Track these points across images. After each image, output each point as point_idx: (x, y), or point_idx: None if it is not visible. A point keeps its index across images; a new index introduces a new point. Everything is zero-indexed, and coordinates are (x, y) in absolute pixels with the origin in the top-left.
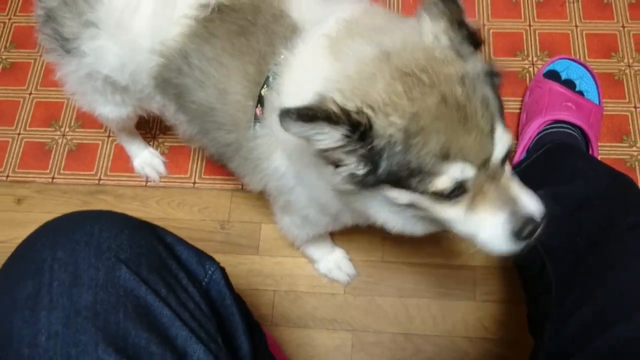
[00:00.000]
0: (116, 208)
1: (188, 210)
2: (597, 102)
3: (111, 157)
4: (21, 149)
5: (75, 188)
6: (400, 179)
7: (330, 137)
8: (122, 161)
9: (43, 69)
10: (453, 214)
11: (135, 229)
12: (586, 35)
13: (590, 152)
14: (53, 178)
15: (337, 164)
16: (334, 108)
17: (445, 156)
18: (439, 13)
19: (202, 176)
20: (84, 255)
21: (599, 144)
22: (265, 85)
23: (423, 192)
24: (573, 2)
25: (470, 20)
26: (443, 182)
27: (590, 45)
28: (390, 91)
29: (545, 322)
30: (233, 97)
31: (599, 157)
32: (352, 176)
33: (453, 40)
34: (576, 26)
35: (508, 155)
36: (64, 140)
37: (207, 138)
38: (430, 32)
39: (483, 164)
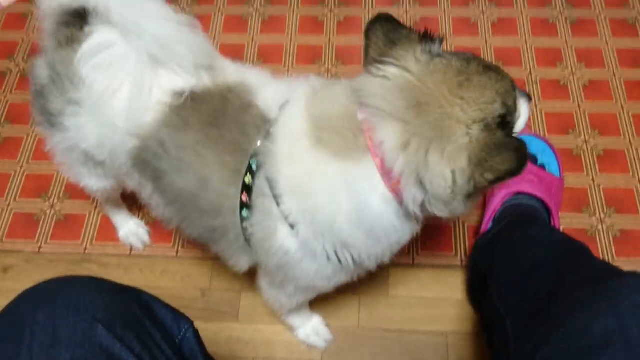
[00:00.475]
0: (101, 276)
1: (170, 278)
2: (558, 175)
3: (97, 227)
4: (10, 219)
5: (61, 257)
6: None
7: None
8: (108, 231)
9: (35, 143)
10: None
11: (112, 291)
12: (545, 114)
13: (552, 221)
14: (40, 247)
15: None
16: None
17: None
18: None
19: (185, 246)
20: (62, 318)
21: (562, 214)
22: (248, 173)
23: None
24: (532, 84)
25: None
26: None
27: (549, 122)
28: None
29: None
30: (213, 185)
31: (562, 227)
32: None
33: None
34: (535, 105)
35: None
36: (53, 211)
37: (186, 222)
38: None
39: None
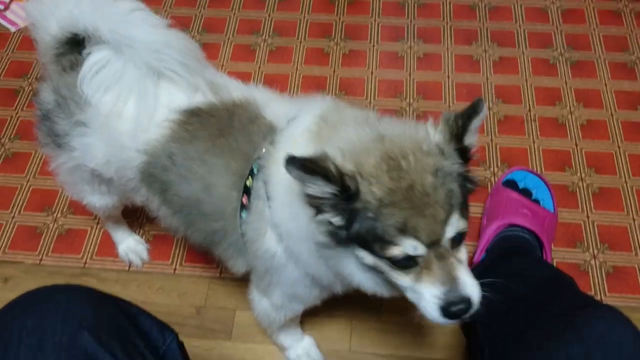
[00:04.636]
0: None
1: (167, 295)
2: (552, 210)
3: (98, 243)
4: (14, 231)
5: (61, 270)
6: (366, 242)
7: (321, 189)
8: (108, 247)
9: (42, 159)
10: (404, 281)
11: (99, 301)
12: (542, 150)
13: (544, 254)
14: (41, 260)
15: (318, 211)
16: (332, 168)
17: (403, 231)
18: (445, 124)
19: (183, 263)
20: (50, 323)
21: (555, 248)
22: (249, 177)
23: (382, 257)
24: (531, 122)
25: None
26: (396, 251)
27: (547, 159)
28: (378, 167)
29: None
30: (218, 190)
31: (554, 260)
32: (328, 224)
33: (443, 141)
34: (534, 142)
35: (460, 240)
36: (55, 225)
37: (192, 229)
38: (429, 131)
39: (433, 244)
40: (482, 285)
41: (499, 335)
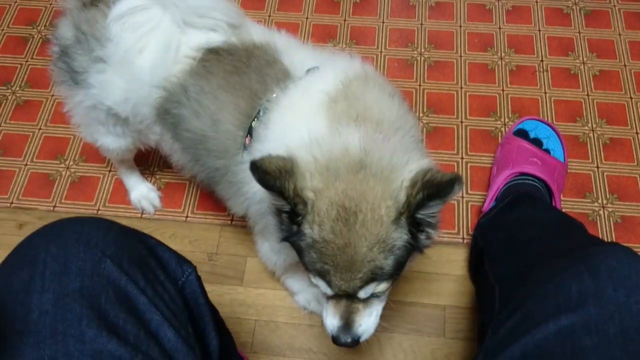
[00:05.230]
0: None
1: (179, 241)
2: (562, 160)
3: (110, 190)
4: (27, 179)
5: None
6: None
7: (276, 199)
8: (120, 194)
9: (53, 107)
10: (324, 302)
11: (120, 232)
12: (554, 101)
13: (553, 203)
14: (54, 207)
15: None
16: (290, 190)
17: (320, 275)
18: (411, 185)
19: (195, 211)
20: (73, 251)
21: (565, 198)
22: (256, 118)
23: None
24: (543, 72)
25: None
26: (312, 279)
27: (558, 110)
28: (331, 207)
29: (487, 330)
30: (225, 127)
31: (564, 211)
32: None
33: (410, 202)
34: (545, 93)
35: (375, 297)
36: (68, 173)
37: (198, 165)
38: (407, 178)
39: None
40: (495, 230)
41: (510, 274)
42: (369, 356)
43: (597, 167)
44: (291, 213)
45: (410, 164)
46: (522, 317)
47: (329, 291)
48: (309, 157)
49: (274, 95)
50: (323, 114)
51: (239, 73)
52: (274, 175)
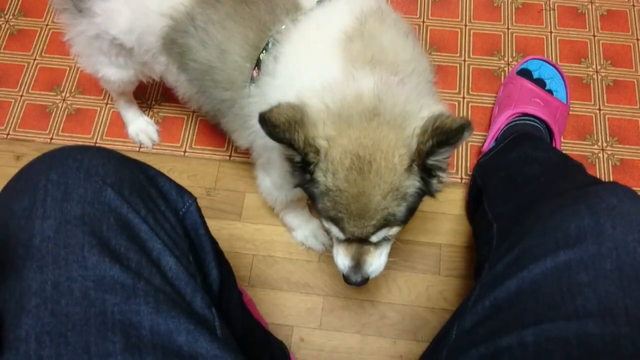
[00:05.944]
0: None
1: (177, 176)
2: (564, 101)
3: (108, 123)
4: (23, 110)
5: None
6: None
7: (286, 149)
8: (118, 127)
9: (48, 37)
10: (335, 242)
11: (120, 161)
12: (559, 41)
13: (554, 144)
14: (51, 139)
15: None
16: (300, 140)
17: (334, 221)
18: (422, 132)
19: (193, 146)
20: (74, 178)
21: (565, 139)
22: (264, 50)
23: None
24: (549, 10)
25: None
26: (324, 223)
27: (563, 50)
28: (344, 156)
29: (484, 265)
30: (232, 58)
31: (563, 151)
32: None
33: (421, 150)
34: (550, 32)
35: (386, 239)
36: (64, 105)
37: (204, 96)
38: (419, 126)
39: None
40: (494, 169)
41: (509, 213)
42: (365, 291)
43: (599, 109)
44: (302, 163)
45: (423, 110)
46: (520, 253)
47: (342, 236)
48: (320, 105)
49: (284, 27)
50: (339, 55)
51: (248, 3)
52: (282, 128)
